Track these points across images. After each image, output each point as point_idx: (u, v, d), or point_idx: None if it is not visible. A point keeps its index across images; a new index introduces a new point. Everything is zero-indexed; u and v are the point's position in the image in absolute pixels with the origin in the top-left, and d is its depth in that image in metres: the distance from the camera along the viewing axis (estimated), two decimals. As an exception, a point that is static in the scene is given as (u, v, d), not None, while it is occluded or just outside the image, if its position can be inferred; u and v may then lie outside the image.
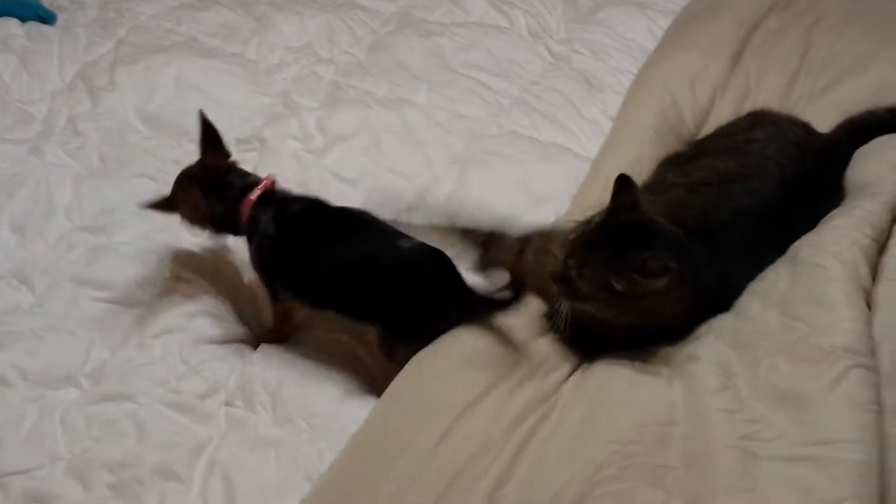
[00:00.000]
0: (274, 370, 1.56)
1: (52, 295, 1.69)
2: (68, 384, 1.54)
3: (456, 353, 1.44)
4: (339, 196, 1.86)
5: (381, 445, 1.30)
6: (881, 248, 1.57)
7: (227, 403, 1.51)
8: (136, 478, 1.38)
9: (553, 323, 1.50)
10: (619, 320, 1.42)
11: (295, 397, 1.51)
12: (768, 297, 1.49)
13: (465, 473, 1.24)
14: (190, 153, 1.96)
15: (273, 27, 2.50)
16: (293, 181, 1.89)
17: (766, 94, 2.09)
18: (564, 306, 1.45)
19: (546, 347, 1.48)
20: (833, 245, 1.51)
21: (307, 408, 1.49)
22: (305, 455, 1.40)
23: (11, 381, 1.53)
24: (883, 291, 1.49)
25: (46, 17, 2.47)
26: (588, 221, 1.49)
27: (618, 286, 1.35)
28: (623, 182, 1.45)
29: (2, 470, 1.39)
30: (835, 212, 1.64)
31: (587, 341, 1.49)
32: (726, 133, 1.86)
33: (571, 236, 1.46)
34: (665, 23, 2.52)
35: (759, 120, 1.84)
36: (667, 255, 1.34)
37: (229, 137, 1.98)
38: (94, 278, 1.73)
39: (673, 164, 1.81)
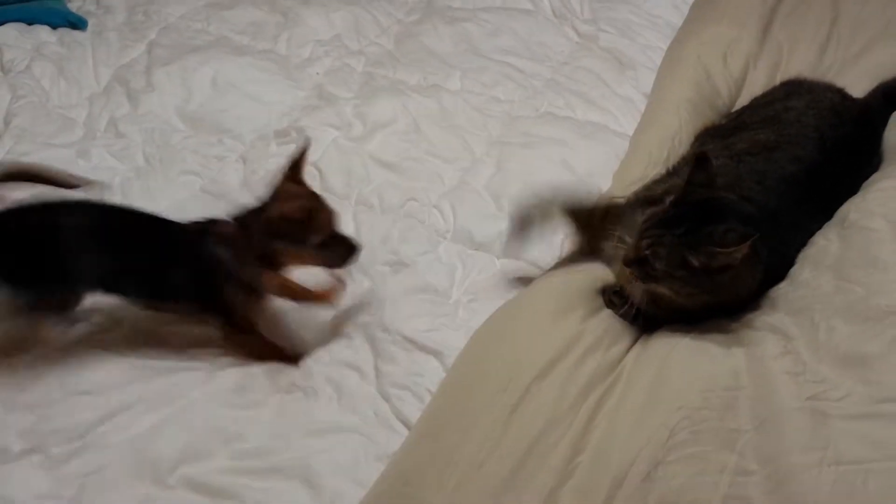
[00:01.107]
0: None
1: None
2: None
3: (516, 328, 1.47)
4: (383, 182, 1.90)
5: (452, 421, 1.33)
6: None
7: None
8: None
9: (622, 312, 1.52)
10: (693, 300, 1.43)
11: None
12: (820, 262, 1.50)
13: (538, 445, 1.26)
14: (231, 149, 2.01)
15: (300, 22, 2.54)
16: (336, 169, 1.93)
17: (799, 63, 2.10)
18: (636, 291, 1.46)
19: (605, 321, 1.50)
20: (880, 207, 1.52)
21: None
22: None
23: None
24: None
25: (77, 23, 2.51)
26: (651, 200, 1.50)
27: (695, 262, 1.36)
28: (701, 161, 1.45)
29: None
30: (876, 175, 1.66)
31: (649, 320, 1.51)
32: (763, 103, 1.87)
33: (641, 218, 1.47)
34: (689, -3, 2.54)
35: (794, 88, 1.86)
36: (742, 227, 1.35)
37: (268, 131, 2.02)
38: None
39: (712, 137, 1.83)
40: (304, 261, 1.51)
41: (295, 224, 1.44)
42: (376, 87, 2.27)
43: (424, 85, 2.28)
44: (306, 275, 1.57)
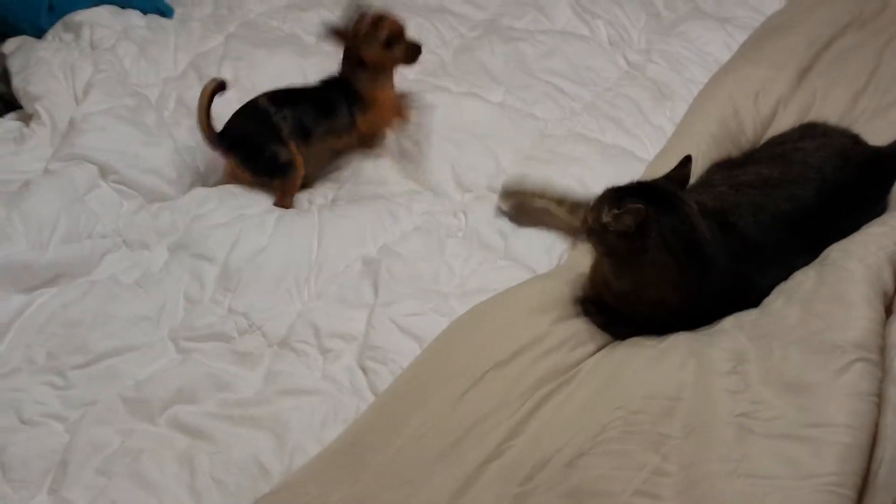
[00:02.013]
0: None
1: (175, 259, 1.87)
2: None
3: (490, 319, 1.59)
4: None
5: (410, 394, 1.45)
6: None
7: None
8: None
9: (595, 319, 1.63)
10: (610, 268, 1.56)
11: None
12: (793, 295, 1.56)
13: (480, 425, 1.37)
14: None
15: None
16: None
17: (830, 108, 2.14)
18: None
19: (575, 326, 1.59)
20: (860, 250, 1.57)
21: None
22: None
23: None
24: (909, 299, 1.56)
25: (165, 11, 2.73)
26: None
27: (603, 218, 1.48)
28: (685, 161, 1.60)
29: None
30: (874, 221, 1.70)
31: (615, 324, 1.60)
32: (777, 142, 1.93)
33: None
34: (742, 37, 2.60)
35: (809, 131, 1.91)
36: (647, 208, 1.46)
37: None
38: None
39: (721, 168, 1.90)
40: (384, 60, 2.11)
41: (362, 29, 2.07)
42: (419, 92, 2.40)
43: (467, 94, 2.39)
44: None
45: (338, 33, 2.10)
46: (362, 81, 2.11)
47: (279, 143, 2.03)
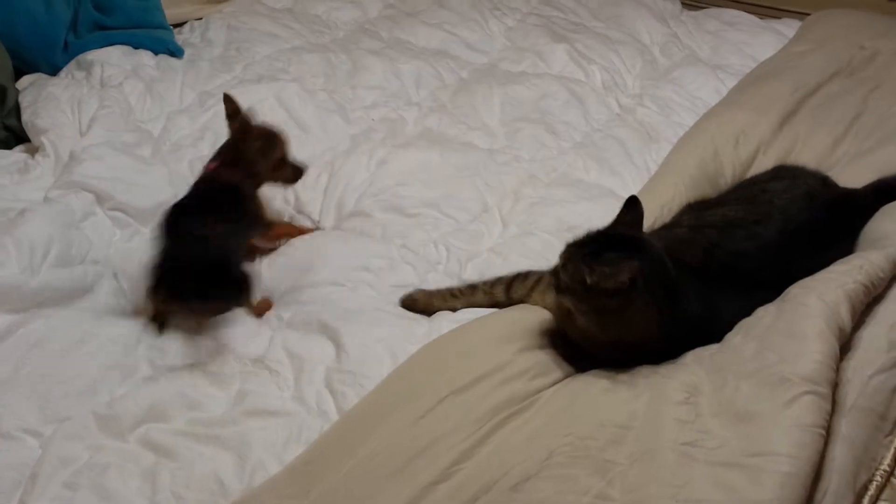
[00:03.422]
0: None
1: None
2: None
3: (456, 346, 1.64)
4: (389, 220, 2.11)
5: (368, 416, 1.49)
6: (877, 296, 1.65)
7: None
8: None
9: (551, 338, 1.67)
10: (590, 321, 1.56)
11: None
12: (751, 330, 1.59)
13: (432, 448, 1.40)
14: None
15: (369, 69, 2.78)
16: (351, 195, 2.16)
17: (810, 152, 2.18)
18: (550, 302, 1.64)
19: (538, 356, 1.63)
20: (820, 286, 1.60)
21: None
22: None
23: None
24: (867, 334, 1.58)
25: (175, 51, 2.84)
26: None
27: (588, 279, 1.49)
28: (632, 202, 1.64)
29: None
30: (840, 260, 1.73)
31: (578, 356, 1.64)
32: (748, 184, 1.98)
33: None
34: (733, 84, 2.65)
35: (780, 173, 1.96)
36: (637, 261, 1.48)
37: (302, 159, 2.26)
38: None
39: (692, 209, 1.94)
40: (268, 177, 2.01)
41: (257, 142, 1.96)
42: (416, 135, 2.47)
43: (460, 137, 2.46)
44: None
45: (234, 115, 2.00)
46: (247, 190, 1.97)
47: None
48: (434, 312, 1.83)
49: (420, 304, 1.85)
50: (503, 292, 1.82)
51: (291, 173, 2.06)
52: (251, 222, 1.96)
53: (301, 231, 2.10)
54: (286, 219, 2.18)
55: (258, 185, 2.01)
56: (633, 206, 1.62)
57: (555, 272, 1.57)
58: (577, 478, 1.34)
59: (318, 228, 2.13)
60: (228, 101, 2.02)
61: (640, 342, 1.58)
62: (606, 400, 1.50)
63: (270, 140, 2.00)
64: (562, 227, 2.08)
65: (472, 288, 1.85)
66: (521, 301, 1.80)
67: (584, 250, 1.55)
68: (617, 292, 1.48)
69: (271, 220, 2.09)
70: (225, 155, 1.99)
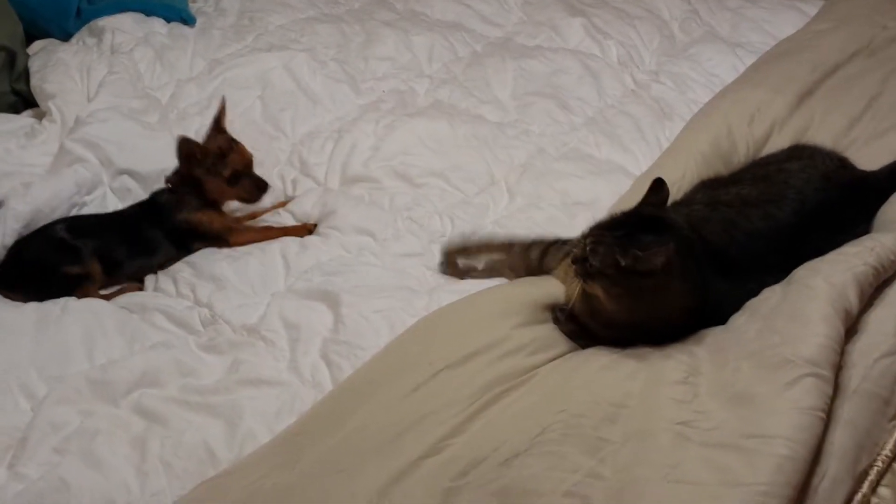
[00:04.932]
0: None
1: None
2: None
3: (452, 320, 1.61)
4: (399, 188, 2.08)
5: (360, 388, 1.48)
6: (887, 278, 1.61)
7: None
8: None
9: (554, 313, 1.64)
10: (620, 304, 1.52)
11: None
12: (757, 311, 1.56)
13: (423, 422, 1.38)
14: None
15: (382, 41, 2.74)
16: (358, 168, 2.13)
17: (825, 132, 2.12)
18: (572, 290, 1.58)
19: (537, 332, 1.60)
20: (828, 268, 1.56)
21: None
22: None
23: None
24: (874, 317, 1.54)
25: (187, 19, 2.81)
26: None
27: (622, 261, 1.46)
28: (658, 184, 1.60)
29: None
30: (851, 241, 1.68)
31: (590, 339, 1.61)
32: (763, 163, 1.93)
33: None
34: (751, 62, 2.59)
35: (797, 153, 1.90)
36: (670, 241, 1.45)
37: (310, 128, 2.23)
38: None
39: (706, 187, 1.90)
40: (224, 194, 1.98)
41: (210, 156, 1.93)
42: (426, 106, 2.44)
43: (471, 109, 2.43)
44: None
45: (190, 154, 1.95)
46: (189, 208, 1.96)
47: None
48: (461, 267, 1.86)
49: (452, 255, 1.86)
50: (538, 257, 1.78)
51: (251, 190, 2.00)
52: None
53: (286, 232, 2.00)
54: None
55: (213, 201, 1.98)
56: (659, 188, 1.58)
57: (580, 259, 1.52)
58: (567, 455, 1.31)
59: (315, 226, 2.02)
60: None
61: (669, 322, 1.55)
62: (603, 377, 1.47)
63: (226, 152, 1.96)
64: (568, 201, 2.06)
65: (510, 243, 1.84)
66: (546, 272, 1.76)
67: (615, 233, 1.51)
68: (651, 273, 1.45)
69: (224, 230, 1.98)
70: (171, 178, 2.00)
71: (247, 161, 1.99)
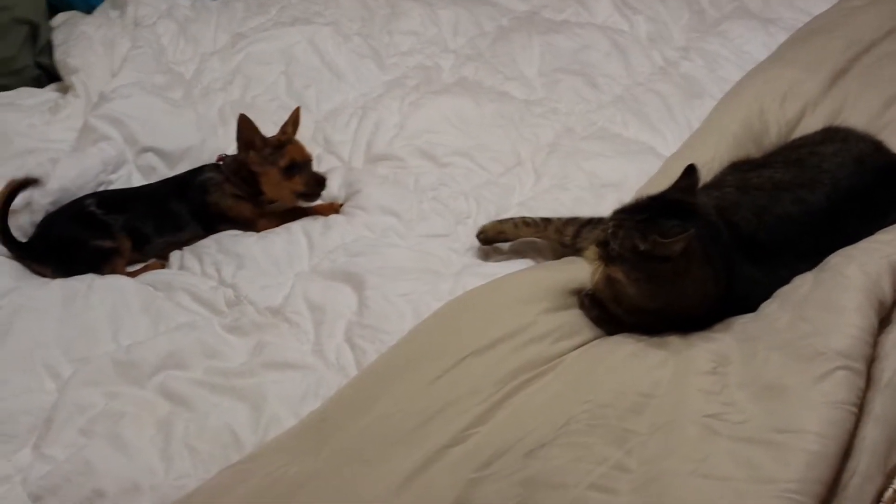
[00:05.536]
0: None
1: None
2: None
3: (477, 306, 1.60)
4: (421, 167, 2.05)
5: (385, 374, 1.47)
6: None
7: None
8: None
9: (580, 298, 1.62)
10: (640, 289, 1.50)
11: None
12: (788, 299, 1.53)
13: (448, 410, 1.37)
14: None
15: (406, 14, 2.70)
16: (383, 146, 2.11)
17: (859, 113, 2.07)
18: (596, 274, 1.56)
19: (563, 318, 1.58)
20: (862, 256, 1.53)
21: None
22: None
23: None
24: (910, 309, 1.51)
25: (212, -8, 2.78)
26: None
27: (641, 246, 1.44)
28: (690, 170, 1.56)
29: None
30: (885, 228, 1.65)
31: (609, 322, 1.59)
32: (796, 145, 1.89)
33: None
34: (784, 38, 2.53)
35: (831, 135, 1.86)
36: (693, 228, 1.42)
37: (334, 105, 2.21)
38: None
39: (737, 169, 1.86)
40: (278, 188, 1.95)
41: (269, 145, 1.93)
42: (451, 83, 2.40)
43: (497, 86, 2.39)
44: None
45: (249, 141, 1.94)
46: (223, 193, 1.96)
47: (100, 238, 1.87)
48: (497, 241, 1.86)
49: (489, 232, 1.85)
50: (572, 236, 1.77)
51: (308, 185, 1.96)
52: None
53: (313, 211, 1.98)
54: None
55: (260, 194, 1.97)
56: (690, 174, 1.54)
57: (603, 242, 1.50)
58: (593, 446, 1.30)
59: (341, 206, 2.00)
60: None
61: (691, 309, 1.52)
62: (630, 366, 1.45)
63: (281, 145, 1.95)
64: (596, 182, 2.03)
65: (547, 221, 1.83)
66: (579, 252, 1.72)
67: (637, 217, 1.49)
68: (671, 258, 1.43)
69: (253, 218, 1.97)
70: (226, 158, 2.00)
71: (305, 156, 1.98)
